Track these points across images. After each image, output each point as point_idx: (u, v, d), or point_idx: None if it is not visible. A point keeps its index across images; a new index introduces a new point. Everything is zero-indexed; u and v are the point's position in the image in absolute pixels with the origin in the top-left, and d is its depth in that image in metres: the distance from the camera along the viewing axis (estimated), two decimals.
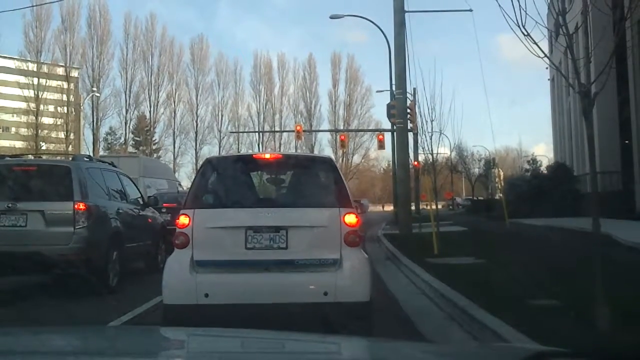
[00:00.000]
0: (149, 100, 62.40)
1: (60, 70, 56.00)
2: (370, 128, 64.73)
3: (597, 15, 6.45)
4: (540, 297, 6.47)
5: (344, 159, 68.18)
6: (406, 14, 17.45)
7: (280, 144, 66.23)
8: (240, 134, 64.54)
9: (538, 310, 5.90)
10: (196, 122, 64.96)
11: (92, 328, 3.71)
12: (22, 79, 54.09)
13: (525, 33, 5.55)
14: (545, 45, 6.11)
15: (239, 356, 2.28)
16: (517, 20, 5.51)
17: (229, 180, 6.20)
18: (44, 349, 2.25)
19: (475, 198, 49.38)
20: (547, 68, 35.04)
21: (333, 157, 10.18)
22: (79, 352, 2.28)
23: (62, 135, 56.79)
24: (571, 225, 16.98)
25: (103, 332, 3.13)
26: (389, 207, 52.44)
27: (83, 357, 2.22)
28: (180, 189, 22.59)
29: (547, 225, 19.92)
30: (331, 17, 29.45)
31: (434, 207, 15.07)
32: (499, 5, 5.74)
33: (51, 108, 56.13)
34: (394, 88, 20.24)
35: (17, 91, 55.71)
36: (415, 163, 30.03)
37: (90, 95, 55.41)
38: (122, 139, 62.02)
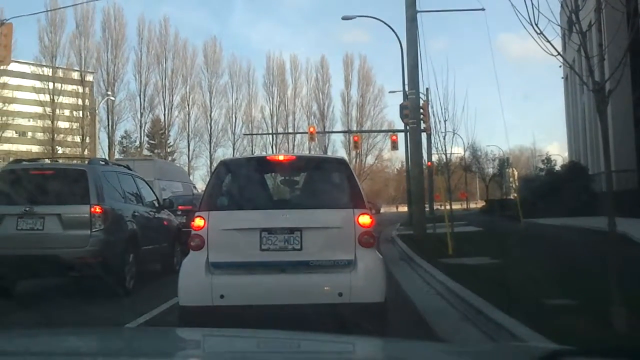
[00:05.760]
0: (164, 104, 62.62)
1: (75, 75, 56.29)
2: (383, 129, 64.61)
3: (611, 12, 6.40)
4: (556, 296, 6.44)
5: (358, 159, 67.98)
6: (417, 15, 17.37)
7: (293, 146, 66.20)
8: (254, 136, 64.70)
9: (554, 309, 5.87)
10: (210, 124, 65.08)
11: (109, 329, 3.74)
12: (37, 84, 54.43)
13: (539, 31, 5.53)
14: (558, 44, 6.07)
15: (254, 356, 2.30)
16: (529, 18, 5.50)
17: (244, 182, 6.22)
18: (61, 349, 2.27)
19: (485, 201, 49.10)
20: (560, 66, 34.76)
21: (346, 158, 10.17)
22: (96, 353, 2.30)
23: (77, 139, 57.15)
24: (586, 224, 16.86)
25: (120, 333, 3.17)
26: (403, 208, 52.27)
27: (100, 358, 2.24)
28: (195, 191, 22.68)
29: (562, 224, 19.79)
30: (343, 18, 29.45)
31: (448, 207, 15.02)
32: (512, 4, 5.72)
33: (67, 112, 56.45)
34: (406, 88, 20.22)
35: (32, 96, 56.10)
36: (429, 163, 29.93)
37: (106, 99, 55.67)
38: (137, 142, 62.31)
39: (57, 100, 55.10)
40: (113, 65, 58.31)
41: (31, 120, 59.59)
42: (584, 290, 6.53)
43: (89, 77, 58.12)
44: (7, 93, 53.87)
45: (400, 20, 17.38)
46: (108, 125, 58.59)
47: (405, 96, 22.70)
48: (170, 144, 64.11)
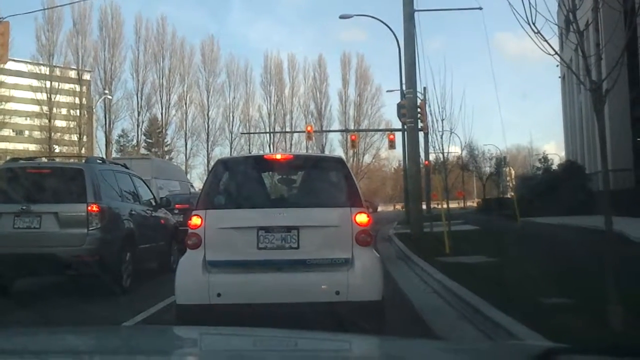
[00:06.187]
0: (161, 102, 62.52)
1: (73, 73, 56.18)
2: (381, 128, 64.65)
3: (608, 11, 6.41)
4: (553, 295, 6.45)
5: (355, 158, 67.98)
6: (415, 13, 17.34)
7: (291, 145, 66.12)
8: (252, 135, 64.65)
9: (551, 308, 5.88)
10: (207, 123, 64.97)
11: (106, 328, 3.75)
12: (34, 83, 54.35)
13: (536, 30, 5.54)
14: (555, 43, 6.08)
15: (251, 354, 2.30)
16: (527, 18, 5.50)
17: (241, 180, 6.23)
18: (58, 348, 2.27)
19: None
20: (557, 65, 34.89)
21: (344, 157, 10.18)
22: (93, 352, 2.30)
23: (75, 137, 57.07)
24: (583, 223, 16.89)
25: (117, 332, 3.17)
26: (401, 207, 52.27)
27: (97, 356, 2.24)
28: (192, 190, 22.67)
29: (558, 223, 19.83)
30: (341, 17, 29.48)
31: (445, 205, 15.03)
32: (509, 3, 5.73)
33: (64, 111, 56.39)
34: (404, 87, 20.22)
35: (30, 94, 56.01)
36: (426, 162, 29.97)
37: (103, 97, 55.60)
38: (135, 141, 62.29)
39: (55, 98, 55.02)
40: (110, 64, 58.26)
41: (28, 118, 59.54)
42: (580, 289, 6.54)
43: (86, 76, 58.06)
44: (4, 92, 53.82)
45: (398, 19, 17.33)
46: (105, 123, 58.57)
47: (402, 95, 22.71)
48: (168, 142, 64.08)
